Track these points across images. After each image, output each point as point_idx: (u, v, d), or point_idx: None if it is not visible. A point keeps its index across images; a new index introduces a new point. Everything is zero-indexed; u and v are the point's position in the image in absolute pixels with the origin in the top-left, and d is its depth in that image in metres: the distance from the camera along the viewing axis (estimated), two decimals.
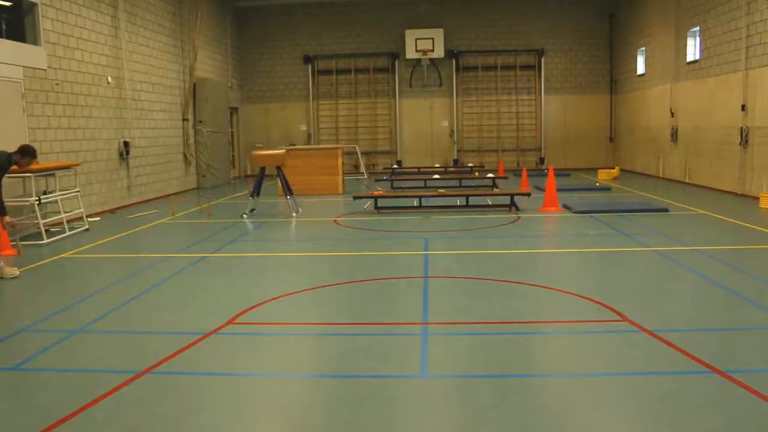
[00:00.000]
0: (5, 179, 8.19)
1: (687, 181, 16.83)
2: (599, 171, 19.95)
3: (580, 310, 5.97)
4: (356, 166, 22.84)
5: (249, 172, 23.02)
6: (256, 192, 12.77)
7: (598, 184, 17.45)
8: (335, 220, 11.80)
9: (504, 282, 6.98)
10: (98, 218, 12.86)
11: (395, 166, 22.81)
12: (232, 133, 22.54)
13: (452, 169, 21.06)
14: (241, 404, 4.06)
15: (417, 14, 22.99)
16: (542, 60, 22.96)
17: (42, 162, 10.67)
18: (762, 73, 12.96)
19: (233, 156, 22.74)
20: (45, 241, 9.74)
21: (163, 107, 16.86)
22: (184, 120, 18.14)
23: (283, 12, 23.32)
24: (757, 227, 10.00)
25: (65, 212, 10.72)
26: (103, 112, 13.76)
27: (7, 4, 11.13)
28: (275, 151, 13.54)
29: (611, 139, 23.36)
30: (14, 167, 8.08)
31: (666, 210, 11.95)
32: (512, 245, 9.24)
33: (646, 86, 19.80)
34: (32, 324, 5.87)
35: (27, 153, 7.90)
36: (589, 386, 4.24)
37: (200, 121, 18.93)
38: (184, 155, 18.20)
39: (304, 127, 23.86)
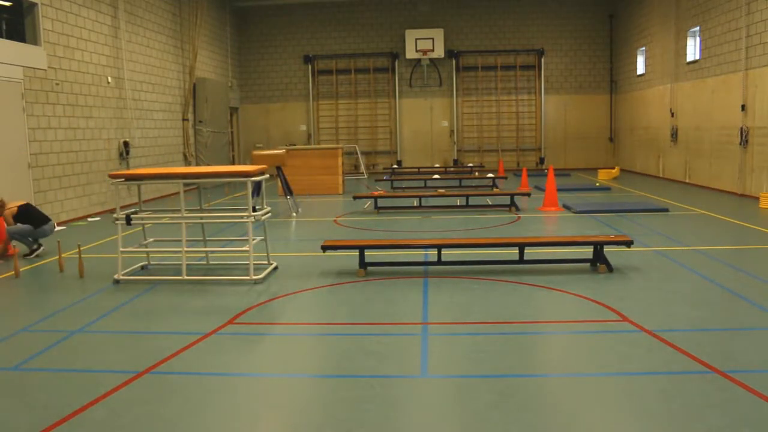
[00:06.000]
0: None
1: (687, 181, 16.83)
2: (599, 171, 19.95)
3: (580, 310, 5.97)
4: (356, 166, 22.84)
5: None
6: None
7: (598, 184, 17.44)
8: (335, 220, 11.80)
9: (504, 282, 6.99)
10: (98, 218, 12.88)
11: (395, 166, 22.81)
12: (232, 133, 22.54)
13: (452, 169, 21.06)
14: (241, 404, 4.06)
15: (417, 14, 22.99)
16: (542, 60, 22.96)
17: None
18: (762, 73, 12.96)
19: (233, 156, 22.74)
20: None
21: (163, 107, 16.86)
22: (184, 120, 18.14)
23: (283, 12, 23.32)
24: (757, 227, 10.00)
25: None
26: (103, 112, 13.76)
27: (7, 4, 11.13)
28: (275, 151, 13.54)
29: (611, 139, 23.36)
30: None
31: (666, 210, 11.95)
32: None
33: (646, 86, 19.80)
34: (32, 324, 5.88)
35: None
36: (589, 386, 4.23)
37: (200, 121, 18.93)
38: (184, 155, 18.20)
39: (304, 127, 23.86)
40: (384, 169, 23.29)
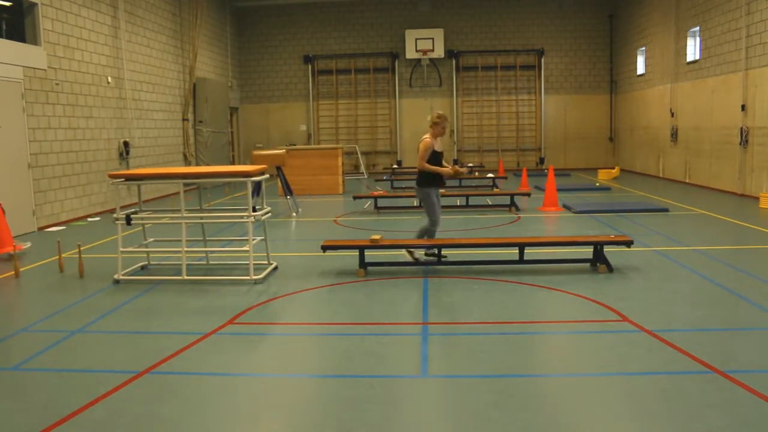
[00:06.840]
0: None
1: (687, 181, 16.83)
2: (599, 171, 19.95)
3: (580, 310, 5.97)
4: (356, 166, 22.84)
5: None
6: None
7: (598, 184, 17.44)
8: (335, 220, 11.80)
9: (504, 282, 6.99)
10: (98, 218, 12.88)
11: (395, 166, 22.81)
12: (232, 133, 22.54)
13: None
14: (241, 404, 4.06)
15: (417, 14, 22.99)
16: (542, 60, 22.95)
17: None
18: (762, 73, 12.96)
19: (233, 156, 22.74)
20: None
21: (163, 107, 16.86)
22: (184, 120, 18.14)
23: (283, 12, 23.32)
24: (757, 227, 10.00)
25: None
26: (103, 112, 13.76)
27: (7, 4, 11.13)
28: (275, 151, 13.54)
29: (611, 139, 23.36)
30: None
31: (666, 210, 11.95)
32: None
33: (646, 86, 19.80)
34: (32, 324, 5.88)
35: None
36: (589, 386, 4.23)
37: (200, 121, 18.93)
38: (184, 155, 18.20)
39: (304, 127, 23.86)
40: (384, 169, 23.29)
